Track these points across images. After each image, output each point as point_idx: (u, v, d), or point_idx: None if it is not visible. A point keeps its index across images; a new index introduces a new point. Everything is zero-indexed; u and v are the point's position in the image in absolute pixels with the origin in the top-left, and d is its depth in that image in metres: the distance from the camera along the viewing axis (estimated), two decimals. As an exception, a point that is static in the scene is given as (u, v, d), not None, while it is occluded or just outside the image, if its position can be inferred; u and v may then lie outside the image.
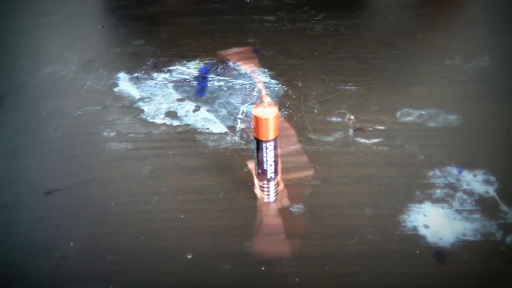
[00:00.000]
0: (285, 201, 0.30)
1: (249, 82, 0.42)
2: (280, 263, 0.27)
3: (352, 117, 0.37)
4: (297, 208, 0.30)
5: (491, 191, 0.31)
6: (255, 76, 0.26)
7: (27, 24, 0.52)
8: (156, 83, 0.42)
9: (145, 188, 0.32)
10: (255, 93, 0.40)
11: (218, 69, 0.44)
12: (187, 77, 0.43)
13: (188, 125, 0.37)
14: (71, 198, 0.32)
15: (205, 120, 0.38)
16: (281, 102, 0.39)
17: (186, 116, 0.38)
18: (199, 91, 0.41)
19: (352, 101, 0.39)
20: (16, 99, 0.41)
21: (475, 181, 0.32)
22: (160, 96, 0.40)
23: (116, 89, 0.41)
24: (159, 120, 0.38)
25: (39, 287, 0.27)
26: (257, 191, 0.30)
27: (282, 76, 0.42)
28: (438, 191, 0.31)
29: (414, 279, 0.26)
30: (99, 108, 0.39)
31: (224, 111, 0.39)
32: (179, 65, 0.44)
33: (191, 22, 0.51)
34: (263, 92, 0.26)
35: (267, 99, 0.26)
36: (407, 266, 0.27)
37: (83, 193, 0.32)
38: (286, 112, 0.38)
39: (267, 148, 0.27)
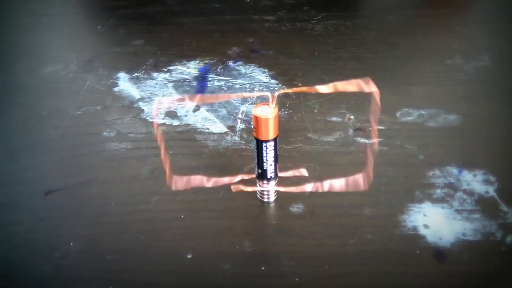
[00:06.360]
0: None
1: (249, 82, 0.42)
2: (280, 263, 0.27)
3: (352, 117, 0.37)
4: (297, 208, 0.30)
5: (491, 191, 0.31)
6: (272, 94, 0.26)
7: (27, 24, 0.52)
8: (156, 83, 0.42)
9: (145, 188, 0.32)
10: (255, 93, 0.40)
11: (218, 69, 0.44)
12: (187, 77, 0.43)
13: (188, 125, 0.37)
14: (71, 198, 0.32)
15: (205, 120, 0.38)
16: (281, 102, 0.39)
17: (186, 116, 0.38)
18: (199, 91, 0.41)
19: (352, 101, 0.39)
20: (16, 99, 0.41)
21: (475, 181, 0.32)
22: (160, 96, 0.40)
23: (116, 89, 0.41)
24: (159, 120, 0.38)
25: (39, 287, 0.27)
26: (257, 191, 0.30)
27: (282, 76, 0.42)
28: (438, 191, 0.31)
29: (414, 279, 0.26)
30: (99, 108, 0.39)
31: (224, 111, 0.39)
32: (179, 65, 0.44)
33: (191, 22, 0.51)
34: (274, 99, 0.26)
35: (272, 104, 0.26)
36: (407, 266, 0.27)
37: (83, 193, 0.32)
38: (286, 112, 0.38)
39: (267, 148, 0.27)
